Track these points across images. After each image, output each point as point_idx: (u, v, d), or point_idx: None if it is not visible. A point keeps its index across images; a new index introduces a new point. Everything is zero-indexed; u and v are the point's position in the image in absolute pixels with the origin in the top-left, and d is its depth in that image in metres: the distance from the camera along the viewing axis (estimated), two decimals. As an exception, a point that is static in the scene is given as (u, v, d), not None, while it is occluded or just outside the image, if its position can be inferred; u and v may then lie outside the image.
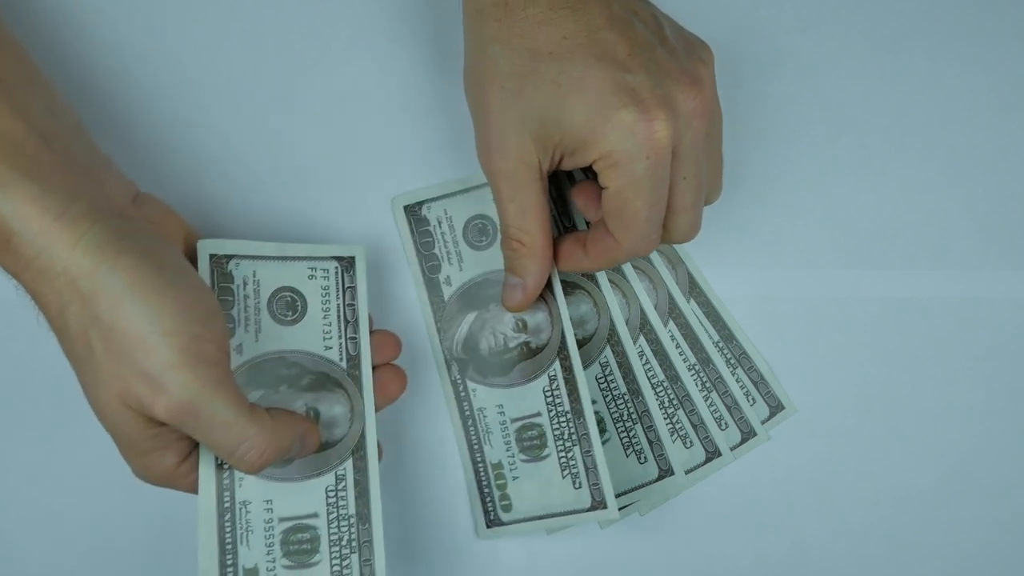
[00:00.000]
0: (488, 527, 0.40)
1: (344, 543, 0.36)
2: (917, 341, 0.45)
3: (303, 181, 0.43)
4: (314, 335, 0.38)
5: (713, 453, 0.43)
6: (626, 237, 0.36)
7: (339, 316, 0.38)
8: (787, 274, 0.45)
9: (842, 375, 0.45)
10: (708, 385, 0.44)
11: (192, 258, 0.37)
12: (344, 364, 0.38)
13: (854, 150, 0.46)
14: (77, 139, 0.34)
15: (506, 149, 0.35)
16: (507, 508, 0.40)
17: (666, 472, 0.42)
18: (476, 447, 0.41)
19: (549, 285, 0.41)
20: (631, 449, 0.42)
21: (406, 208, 0.42)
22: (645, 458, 0.42)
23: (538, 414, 0.40)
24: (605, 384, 0.42)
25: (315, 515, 0.36)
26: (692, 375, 0.44)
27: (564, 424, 0.40)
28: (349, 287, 0.39)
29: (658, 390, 0.43)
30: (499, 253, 0.40)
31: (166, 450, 0.33)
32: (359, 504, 0.36)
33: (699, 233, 0.38)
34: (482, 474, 0.41)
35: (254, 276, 0.38)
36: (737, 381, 0.44)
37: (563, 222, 0.43)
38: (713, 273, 0.45)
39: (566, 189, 0.43)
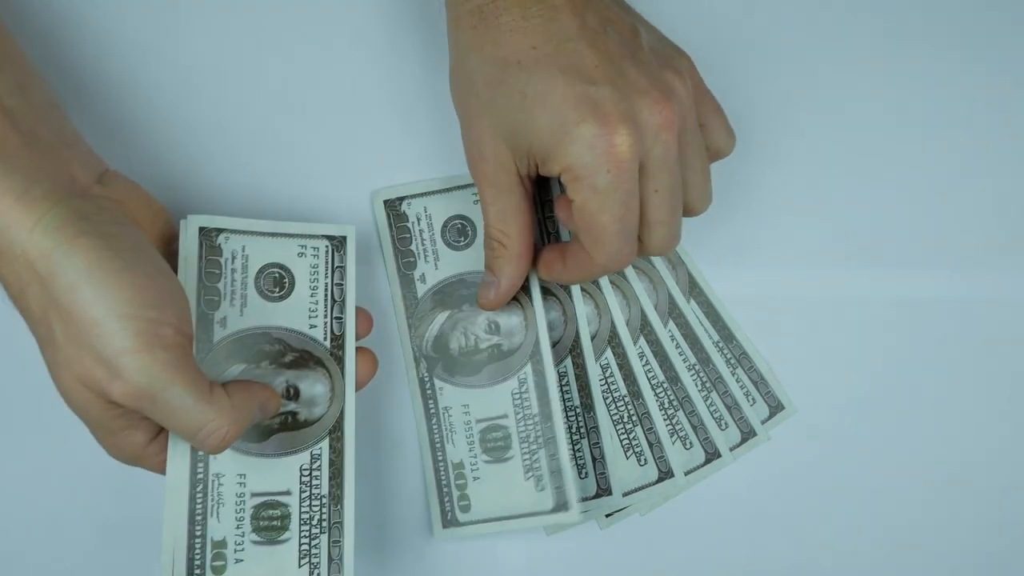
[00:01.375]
0: (444, 527, 0.40)
1: (315, 523, 0.36)
2: (917, 341, 0.45)
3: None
4: (299, 313, 0.38)
5: (713, 454, 0.43)
6: (598, 252, 0.35)
7: (326, 295, 0.38)
8: (787, 274, 0.45)
9: (842, 375, 0.45)
10: (708, 385, 0.44)
11: (165, 236, 0.37)
12: (328, 343, 0.38)
13: (854, 150, 0.46)
14: (46, 117, 0.34)
15: (485, 154, 0.36)
16: (465, 508, 0.40)
17: (666, 474, 0.42)
18: (439, 445, 0.41)
19: (527, 290, 0.41)
20: (631, 451, 0.42)
21: (386, 202, 0.42)
22: (645, 460, 0.42)
23: (505, 416, 0.40)
24: (605, 386, 0.42)
25: (287, 492, 0.36)
26: (692, 375, 0.44)
27: (531, 427, 0.40)
28: (339, 267, 0.39)
29: (658, 391, 0.43)
30: (476, 254, 0.41)
31: (134, 429, 0.33)
32: (332, 485, 0.36)
33: (679, 243, 0.37)
34: (442, 473, 0.41)
35: (243, 251, 0.38)
36: (737, 381, 0.44)
37: (548, 228, 0.43)
38: (713, 273, 0.45)
39: (554, 196, 0.42)
